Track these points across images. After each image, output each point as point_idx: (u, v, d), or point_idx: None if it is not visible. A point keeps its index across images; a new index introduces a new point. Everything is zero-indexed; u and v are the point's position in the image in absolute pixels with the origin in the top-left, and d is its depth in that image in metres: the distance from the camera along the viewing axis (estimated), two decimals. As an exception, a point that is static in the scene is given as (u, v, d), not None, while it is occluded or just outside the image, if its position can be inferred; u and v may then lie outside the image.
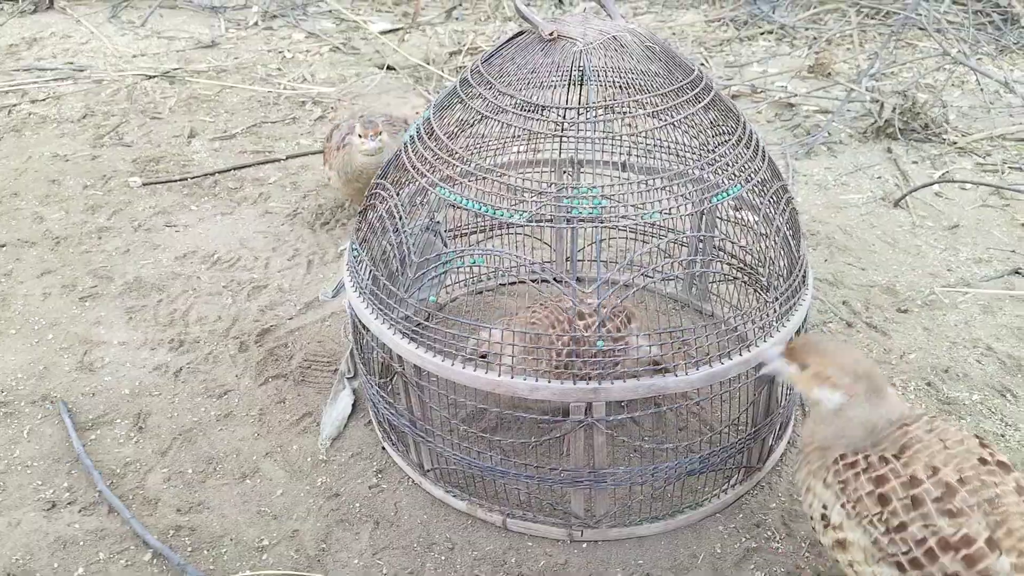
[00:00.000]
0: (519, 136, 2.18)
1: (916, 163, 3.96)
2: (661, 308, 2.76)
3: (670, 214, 1.94)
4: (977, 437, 1.68)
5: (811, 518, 1.76)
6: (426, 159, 2.07)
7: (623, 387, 1.87)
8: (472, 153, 2.10)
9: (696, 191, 1.98)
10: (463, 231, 2.72)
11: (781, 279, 2.08)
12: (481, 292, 2.91)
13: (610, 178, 2.25)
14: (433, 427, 2.11)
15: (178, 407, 2.49)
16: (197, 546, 2.07)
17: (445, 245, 2.23)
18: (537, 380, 1.89)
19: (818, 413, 1.75)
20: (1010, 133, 4.20)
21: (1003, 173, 3.87)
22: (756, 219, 2.17)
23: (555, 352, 1.99)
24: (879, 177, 3.84)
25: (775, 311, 2.02)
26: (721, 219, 2.44)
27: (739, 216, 2.34)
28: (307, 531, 2.12)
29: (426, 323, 2.04)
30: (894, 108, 4.22)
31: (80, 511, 2.16)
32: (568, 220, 1.92)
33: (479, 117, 2.07)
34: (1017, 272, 3.13)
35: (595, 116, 1.96)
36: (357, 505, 2.19)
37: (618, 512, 2.10)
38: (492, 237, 2.80)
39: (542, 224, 2.13)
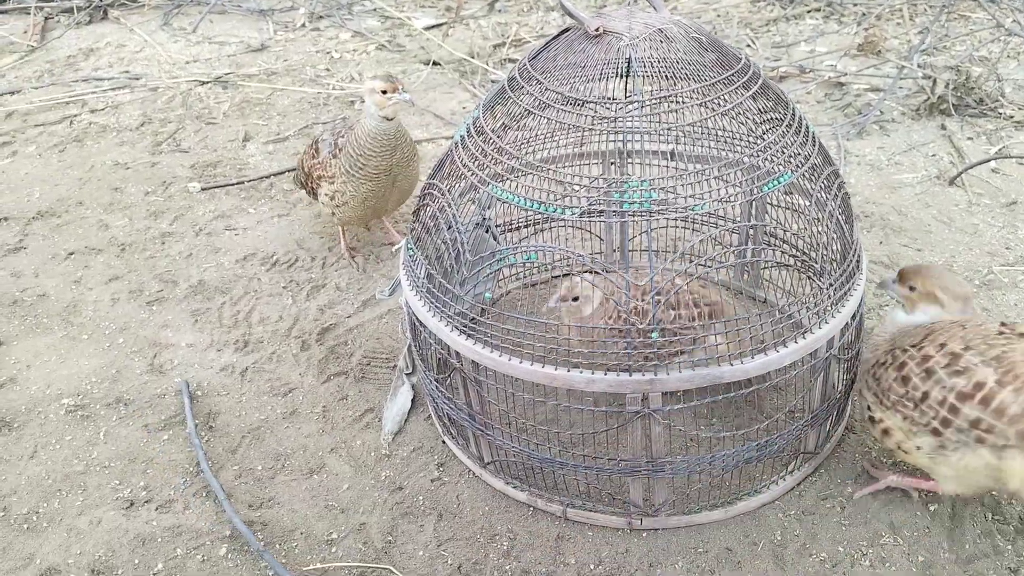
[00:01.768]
0: (569, 130, 2.21)
1: (971, 139, 3.89)
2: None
3: (722, 204, 1.96)
4: (1004, 324, 1.92)
5: (867, 421, 2.05)
6: (476, 157, 2.12)
7: (679, 377, 1.90)
8: (521, 149, 2.14)
9: (748, 179, 1.99)
10: (514, 225, 2.76)
11: (835, 264, 2.07)
12: (534, 284, 2.95)
13: (659, 169, 2.28)
14: (492, 420, 2.16)
15: (245, 406, 2.58)
16: (269, 540, 2.16)
17: (496, 241, 2.27)
18: (594, 373, 1.92)
19: (894, 326, 2.10)
20: (1070, 104, 4.09)
21: (1063, 146, 3.78)
22: (808, 205, 2.17)
23: (622, 316, 2.00)
24: (933, 155, 3.78)
25: (830, 297, 2.02)
26: (772, 205, 2.44)
27: (791, 202, 2.34)
28: (373, 524, 2.19)
29: (481, 318, 2.09)
30: (947, 83, 4.14)
31: (157, 509, 2.26)
32: (619, 214, 1.94)
33: (527, 113, 2.10)
34: (1080, 248, 3.06)
35: (644, 107, 1.98)
36: (420, 498, 2.25)
37: (677, 500, 2.13)
38: (542, 230, 2.83)
39: (591, 219, 2.16)
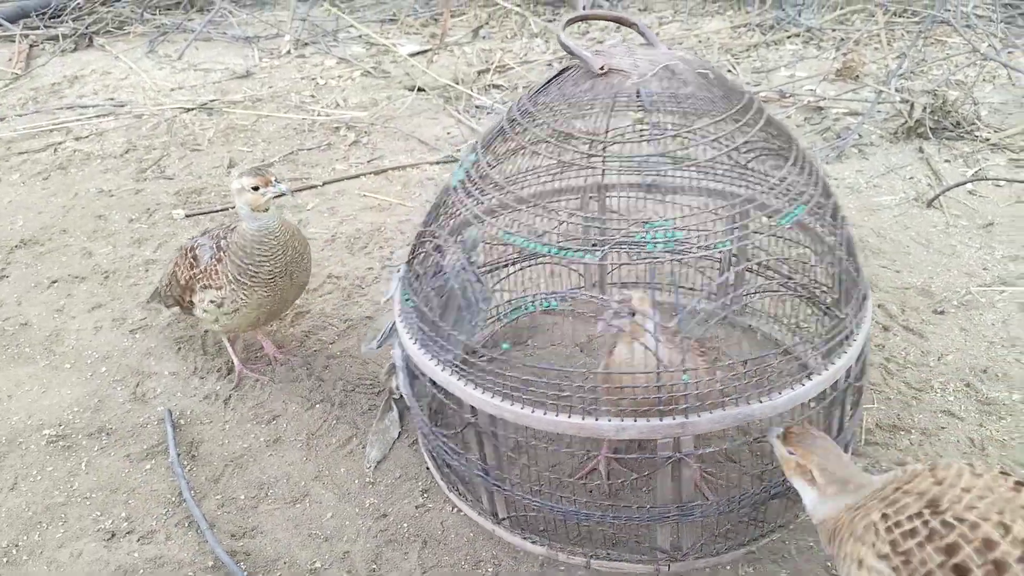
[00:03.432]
0: (575, 169, 2.17)
1: (948, 162, 3.94)
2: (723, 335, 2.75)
3: (737, 241, 1.93)
4: (1009, 477, 1.57)
5: None
6: (481, 201, 2.08)
7: (711, 418, 1.85)
8: (521, 187, 2.11)
9: (762, 215, 1.99)
10: (496, 264, 2.75)
11: (843, 299, 2.08)
12: (516, 319, 2.91)
13: (678, 208, 2.26)
14: (509, 475, 2.10)
15: (228, 434, 2.57)
16: (252, 570, 2.14)
17: (481, 283, 2.26)
18: (623, 420, 1.87)
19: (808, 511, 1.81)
20: (1045, 127, 4.16)
21: (1038, 168, 3.84)
22: (818, 238, 2.17)
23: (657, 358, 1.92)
24: (911, 177, 3.83)
25: (840, 331, 2.01)
26: (784, 240, 2.41)
27: (797, 236, 2.33)
28: (357, 552, 2.18)
29: (488, 365, 2.01)
30: (924, 107, 4.20)
31: (139, 540, 2.25)
32: (642, 255, 1.89)
33: (530, 153, 2.08)
34: (1056, 269, 3.10)
35: (661, 143, 1.97)
36: (405, 525, 2.24)
37: (704, 543, 2.10)
38: (524, 268, 2.82)
39: (577, 254, 2.15)
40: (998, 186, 3.71)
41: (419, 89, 5.08)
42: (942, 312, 2.91)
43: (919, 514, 1.51)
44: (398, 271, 2.37)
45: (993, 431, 2.41)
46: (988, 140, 4.07)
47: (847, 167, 3.95)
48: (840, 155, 4.04)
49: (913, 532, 1.50)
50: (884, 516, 1.56)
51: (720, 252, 2.44)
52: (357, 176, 4.10)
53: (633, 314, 1.95)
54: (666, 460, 1.90)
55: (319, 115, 4.83)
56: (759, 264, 2.61)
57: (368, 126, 4.66)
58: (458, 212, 2.13)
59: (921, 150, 4.04)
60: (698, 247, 1.90)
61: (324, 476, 2.41)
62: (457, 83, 5.10)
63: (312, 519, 2.29)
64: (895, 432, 2.43)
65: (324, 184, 4.03)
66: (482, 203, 2.06)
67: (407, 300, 2.24)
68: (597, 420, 1.87)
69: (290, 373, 2.80)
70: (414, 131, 4.55)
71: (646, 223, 1.90)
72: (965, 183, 3.68)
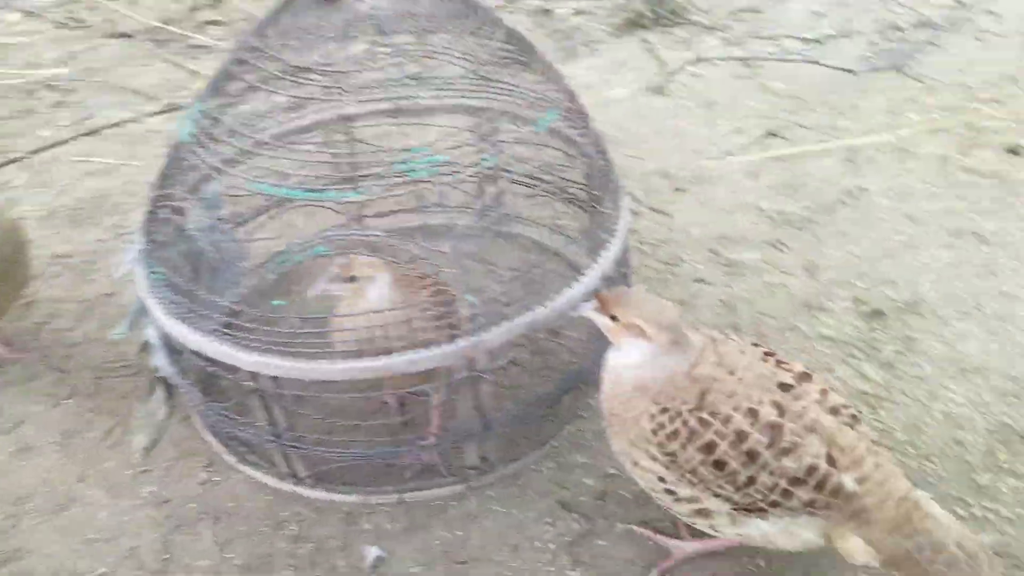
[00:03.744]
0: (313, 101, 2.08)
1: (670, 49, 4.16)
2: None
3: (504, 155, 1.93)
4: (759, 348, 1.71)
5: (652, 491, 1.73)
6: (217, 151, 1.92)
7: (501, 332, 1.86)
8: (263, 132, 1.98)
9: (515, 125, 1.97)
10: (247, 216, 2.54)
11: (600, 195, 2.12)
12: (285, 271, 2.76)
13: (436, 131, 2.19)
14: (304, 432, 2.01)
15: (-34, 453, 2.26)
16: (26, 594, 1.93)
17: (234, 240, 2.10)
18: (416, 353, 1.82)
19: (615, 373, 1.74)
20: (747, 6, 4.48)
21: (748, 45, 4.15)
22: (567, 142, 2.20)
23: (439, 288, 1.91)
24: (639, 68, 4.00)
25: (602, 226, 2.06)
26: (535, 146, 2.39)
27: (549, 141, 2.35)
28: (144, 546, 2.02)
29: (262, 327, 1.89)
30: (642, -1, 4.39)
31: None
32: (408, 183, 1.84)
33: (265, 92, 1.94)
34: (771, 134, 3.39)
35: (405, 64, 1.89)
36: (192, 506, 2.10)
37: (509, 449, 2.12)
38: (276, 217, 2.65)
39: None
40: (715, 65, 3.96)
41: (124, 35, 4.61)
42: (682, 190, 3.10)
43: (679, 413, 1.62)
44: (134, 241, 2.15)
45: (740, 291, 2.62)
46: (701, 23, 4.33)
47: (579, 65, 4.06)
48: (571, 55, 4.14)
49: (676, 434, 1.61)
50: (651, 416, 1.64)
51: (480, 169, 2.41)
52: (67, 141, 3.67)
53: (353, 279, 1.91)
54: (464, 380, 1.90)
55: (11, 79, 4.25)
56: (519, 174, 2.62)
57: (71, 83, 4.17)
58: (194, 167, 1.96)
59: (645, 40, 4.23)
60: (460, 167, 1.87)
61: (90, 475, 2.19)
62: (167, 24, 4.67)
63: (85, 523, 2.08)
64: (658, 309, 2.57)
65: (29, 155, 3.57)
66: (219, 153, 1.91)
67: (153, 272, 2.05)
68: (389, 359, 1.83)
69: (26, 371, 2.49)
70: (125, 82, 4.13)
71: (404, 150, 1.85)
72: (686, 67, 3.90)
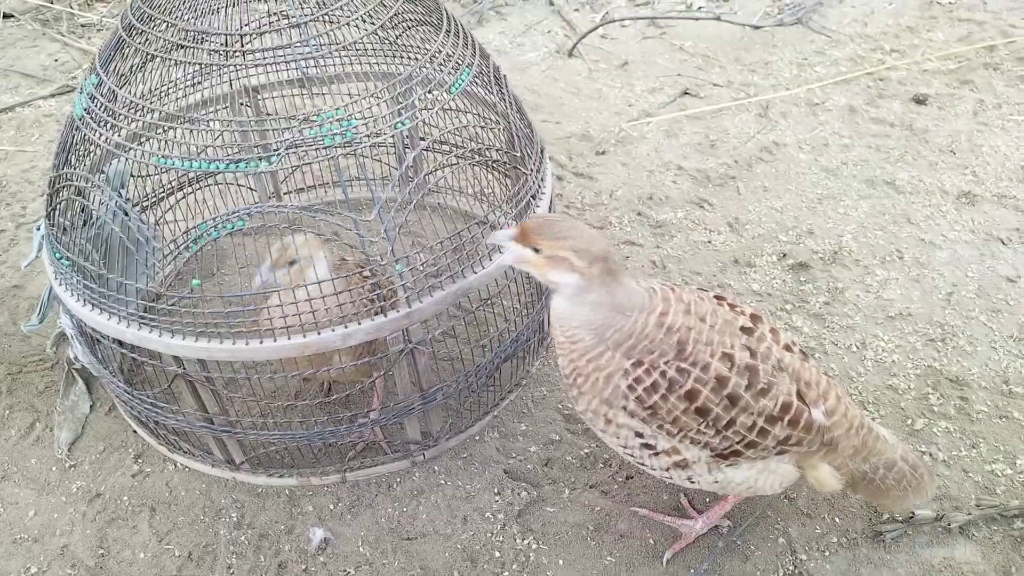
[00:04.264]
0: (214, 72, 1.99)
1: (578, 11, 4.15)
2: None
3: (419, 121, 1.86)
4: (707, 292, 1.71)
5: (625, 447, 1.68)
6: (117, 128, 1.79)
7: (433, 301, 1.81)
8: (165, 105, 1.86)
9: (428, 89, 1.90)
10: (155, 196, 2.44)
11: (522, 158, 2.09)
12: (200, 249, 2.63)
13: (343, 97, 2.10)
14: (238, 417, 1.95)
15: None
16: (-50, 605, 1.82)
17: (144, 222, 1.99)
18: (347, 327, 1.75)
19: (562, 321, 1.63)
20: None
21: (655, 4, 4.17)
22: (483, 105, 2.16)
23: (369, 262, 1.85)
24: (549, 31, 3.98)
25: (527, 189, 2.03)
26: (449, 110, 2.32)
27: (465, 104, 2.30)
28: (77, 542, 1.93)
29: (183, 309, 1.80)
30: (546, -39, 4.35)
31: None
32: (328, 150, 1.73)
33: (162, 62, 1.83)
34: (686, 93, 3.42)
35: (303, 31, 1.79)
36: (125, 498, 2.01)
37: (452, 422, 2.09)
38: (189, 194, 2.53)
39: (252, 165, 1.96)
40: (624, 27, 3.98)
41: (6, 16, 4.32)
42: (604, 152, 3.10)
43: (655, 366, 1.57)
44: (38, 229, 2.03)
45: (669, 250, 2.65)
46: (607, -15, 4.34)
47: (489, 30, 4.01)
48: (481, 20, 4.09)
49: (655, 386, 1.56)
50: (625, 372, 1.58)
51: (394, 136, 2.36)
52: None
53: (292, 263, 1.85)
54: (400, 353, 1.85)
55: None
56: (437, 142, 2.57)
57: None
58: (94, 146, 1.84)
59: (551, 3, 4.20)
60: (372, 134, 1.79)
61: (13, 474, 2.08)
62: (52, 2, 4.40)
63: (13, 523, 1.98)
64: (588, 270, 2.58)
65: (-88, 145, 3.33)
66: (120, 130, 1.79)
67: (60, 259, 1.93)
68: (321, 334, 1.76)
69: (-68, 372, 2.35)
70: (12, 65, 3.89)
71: (315, 116, 1.76)
72: (596, 28, 3.90)
